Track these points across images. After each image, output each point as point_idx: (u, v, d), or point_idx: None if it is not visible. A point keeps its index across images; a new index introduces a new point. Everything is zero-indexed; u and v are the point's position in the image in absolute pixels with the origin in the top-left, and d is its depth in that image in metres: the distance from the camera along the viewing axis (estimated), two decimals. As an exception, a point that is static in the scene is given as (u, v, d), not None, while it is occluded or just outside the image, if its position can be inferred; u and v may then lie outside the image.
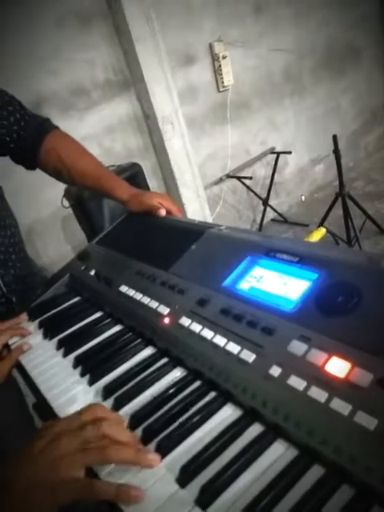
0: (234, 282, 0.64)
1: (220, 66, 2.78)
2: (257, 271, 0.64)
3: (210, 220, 2.92)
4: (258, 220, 3.14)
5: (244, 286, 0.63)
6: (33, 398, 0.85)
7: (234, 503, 0.42)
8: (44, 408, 0.70)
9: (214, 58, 2.78)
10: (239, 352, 0.53)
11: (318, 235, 0.75)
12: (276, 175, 3.08)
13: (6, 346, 0.79)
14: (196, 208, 2.83)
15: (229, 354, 0.54)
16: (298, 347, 0.50)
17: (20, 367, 0.80)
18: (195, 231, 0.81)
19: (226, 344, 0.55)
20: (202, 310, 0.63)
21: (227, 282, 0.65)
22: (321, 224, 2.52)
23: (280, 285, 0.60)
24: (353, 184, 3.18)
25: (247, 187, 3.03)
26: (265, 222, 3.11)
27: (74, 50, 2.27)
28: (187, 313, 0.64)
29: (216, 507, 0.42)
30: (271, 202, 3.11)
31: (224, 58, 2.78)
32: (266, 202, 3.05)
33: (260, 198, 3.06)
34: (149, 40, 2.41)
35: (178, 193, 2.77)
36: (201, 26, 2.69)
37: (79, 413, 0.52)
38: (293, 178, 3.42)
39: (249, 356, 0.52)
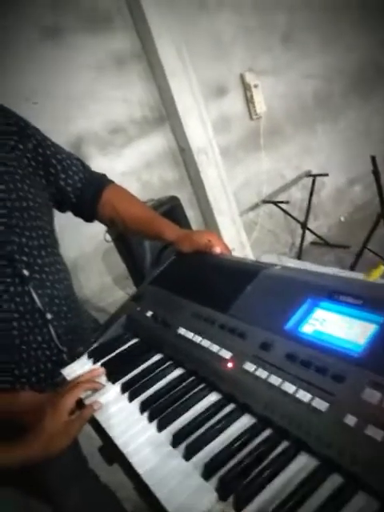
0: (297, 325, 0.65)
1: (252, 95, 2.84)
2: (319, 314, 0.64)
3: (247, 246, 2.93)
4: (297, 243, 3.12)
5: (307, 329, 0.63)
6: (98, 441, 0.87)
7: None
8: (111, 452, 0.72)
9: (246, 87, 2.85)
10: (311, 400, 0.53)
11: (377, 273, 0.74)
12: (313, 198, 3.06)
13: (80, 400, 0.80)
14: (232, 234, 2.85)
15: (300, 402, 0.54)
16: (372, 395, 0.50)
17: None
18: (249, 271, 0.82)
19: (296, 391, 0.55)
20: (266, 354, 0.63)
21: (289, 325, 0.65)
22: (364, 246, 2.47)
23: (345, 328, 0.60)
24: (393, 203, 3.12)
25: (284, 211, 3.02)
26: (304, 245, 3.09)
27: (111, 89, 2.38)
28: (251, 358, 0.65)
29: None
30: (309, 224, 3.09)
31: (255, 86, 2.84)
32: (304, 225, 3.03)
33: (298, 221, 3.04)
34: (181, 75, 2.50)
35: (214, 221, 2.80)
36: (231, 58, 2.77)
37: None
38: (330, 200, 3.39)
39: (321, 404, 0.52)
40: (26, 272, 0.93)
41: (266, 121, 2.96)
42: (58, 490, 1.10)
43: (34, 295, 0.94)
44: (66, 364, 0.94)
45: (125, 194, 1.15)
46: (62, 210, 1.12)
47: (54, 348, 0.99)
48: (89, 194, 1.09)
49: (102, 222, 1.17)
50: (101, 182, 1.13)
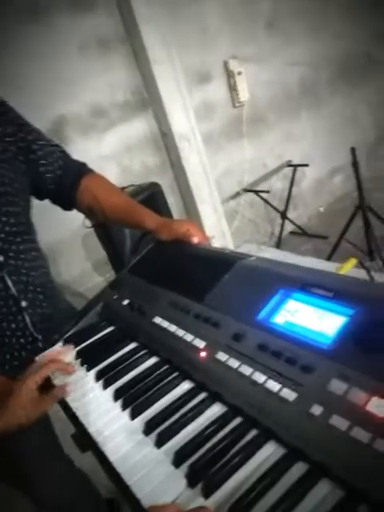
0: (269, 316, 0.66)
1: (235, 82, 2.82)
2: (291, 305, 0.65)
3: (228, 235, 2.94)
4: (277, 233, 3.14)
5: (279, 319, 0.64)
6: (70, 427, 0.87)
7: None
8: (84, 439, 0.72)
9: (229, 75, 2.82)
10: (279, 390, 0.55)
11: (349, 266, 0.75)
12: (294, 188, 3.09)
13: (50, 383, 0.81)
14: (213, 223, 2.86)
15: (269, 391, 0.55)
16: (338, 386, 0.51)
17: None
18: (226, 261, 0.82)
19: (266, 381, 0.57)
20: (238, 345, 0.64)
21: (261, 315, 0.66)
22: (341, 237, 2.51)
23: (315, 319, 0.61)
24: (373, 195, 3.16)
25: (265, 200, 3.04)
26: (283, 234, 3.11)
27: (95, 73, 2.34)
28: (223, 347, 0.66)
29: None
30: (289, 214, 3.12)
31: (239, 74, 2.82)
32: (284, 215, 3.05)
33: (278, 210, 3.06)
34: (165, 61, 2.47)
35: (195, 209, 2.80)
36: (215, 45, 2.74)
37: None
38: (311, 190, 3.42)
39: (289, 394, 0.53)
40: (0, 258, 0.92)
41: (249, 108, 2.95)
42: (34, 475, 1.10)
43: (9, 282, 0.93)
44: (41, 352, 0.93)
45: (104, 182, 1.14)
46: (41, 197, 1.11)
47: (28, 336, 0.98)
48: (68, 182, 1.09)
49: (80, 210, 1.16)
50: (80, 169, 1.12)
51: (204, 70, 2.76)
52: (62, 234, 2.35)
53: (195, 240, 0.97)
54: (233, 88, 2.87)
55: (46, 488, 1.11)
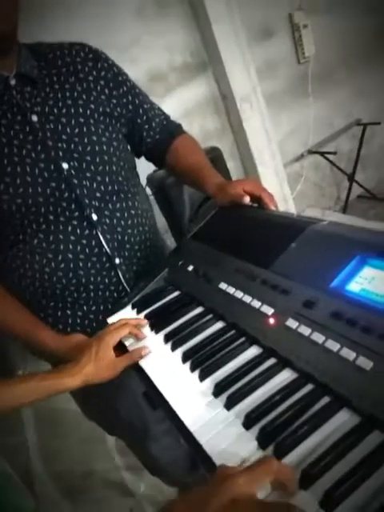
0: (343, 283, 0.63)
1: (300, 36, 2.65)
2: (367, 272, 0.62)
3: (290, 199, 2.84)
4: (343, 197, 2.99)
5: (354, 287, 0.62)
6: (141, 387, 0.91)
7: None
8: (154, 397, 0.75)
9: (294, 28, 2.65)
10: (355, 359, 0.53)
11: None
12: (363, 148, 2.89)
13: (124, 346, 0.83)
14: (275, 187, 2.77)
15: (343, 359, 0.54)
16: (420, 357, 0.48)
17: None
18: (295, 227, 0.80)
19: (340, 349, 0.55)
20: (309, 312, 0.63)
21: (335, 283, 0.64)
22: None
23: (394, 287, 0.58)
24: None
25: (331, 162, 2.88)
26: (350, 199, 2.95)
27: (152, 36, 2.29)
28: (293, 314, 0.64)
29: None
30: (357, 177, 2.94)
31: (305, 27, 2.63)
32: (351, 178, 2.89)
33: (345, 173, 2.90)
34: (226, 19, 2.36)
35: (256, 172, 2.72)
36: (279, -3, 2.57)
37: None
38: (382, 151, 3.19)
39: (366, 363, 0.51)
40: (94, 216, 0.95)
41: (315, 64, 2.76)
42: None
43: (102, 239, 0.96)
44: None
45: (190, 143, 1.16)
46: (137, 156, 1.15)
47: (121, 290, 1.02)
48: (162, 144, 1.12)
49: (166, 169, 1.19)
50: (175, 132, 1.15)
51: (266, 25, 2.60)
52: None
53: (246, 200, 0.93)
54: (298, 43, 2.69)
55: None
